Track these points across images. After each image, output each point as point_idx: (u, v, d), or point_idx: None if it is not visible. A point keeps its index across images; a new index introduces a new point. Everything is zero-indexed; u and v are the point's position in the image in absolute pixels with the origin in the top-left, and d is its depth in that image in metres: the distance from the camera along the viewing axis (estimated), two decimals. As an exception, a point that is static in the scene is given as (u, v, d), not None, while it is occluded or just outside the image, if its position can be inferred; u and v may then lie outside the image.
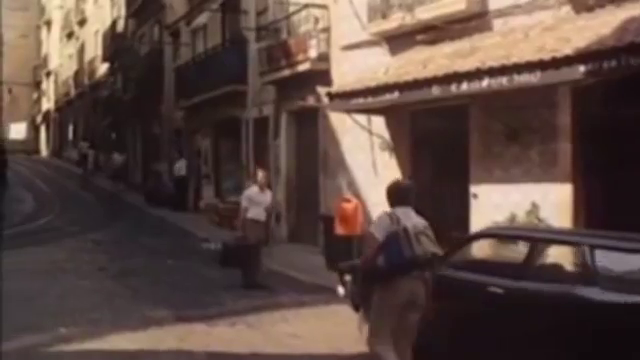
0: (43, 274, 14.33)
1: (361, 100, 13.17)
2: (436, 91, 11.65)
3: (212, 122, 25.01)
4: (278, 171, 19.16)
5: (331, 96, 13.96)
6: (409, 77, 12.12)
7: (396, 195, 7.25)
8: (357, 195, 15.42)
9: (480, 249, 8.70)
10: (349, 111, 14.68)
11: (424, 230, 7.08)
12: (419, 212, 7.19)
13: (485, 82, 10.95)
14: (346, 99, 13.56)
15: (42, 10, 66.00)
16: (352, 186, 15.76)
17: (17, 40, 62.87)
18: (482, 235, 8.78)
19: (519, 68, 10.40)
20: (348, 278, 9.57)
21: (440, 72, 11.53)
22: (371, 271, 7.07)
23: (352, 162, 15.92)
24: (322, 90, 14.50)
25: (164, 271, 15.12)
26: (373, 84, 12.73)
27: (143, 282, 13.70)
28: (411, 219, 7.01)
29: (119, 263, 15.93)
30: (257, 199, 13.45)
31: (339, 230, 14.78)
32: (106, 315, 10.86)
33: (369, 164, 15.37)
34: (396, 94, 12.40)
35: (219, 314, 11.08)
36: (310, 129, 17.82)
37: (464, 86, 11.25)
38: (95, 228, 22.47)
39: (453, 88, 11.39)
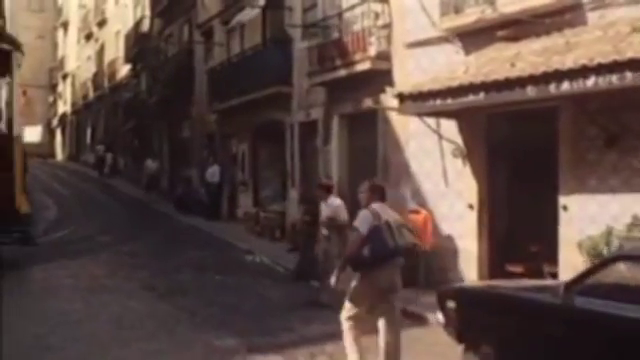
0: (84, 292, 13.37)
1: (438, 102, 12.01)
2: (531, 92, 10.51)
3: (250, 126, 23.85)
4: (329, 179, 18.03)
5: (402, 97, 12.82)
6: (498, 76, 11.00)
7: (377, 193, 8.60)
8: (423, 206, 14.35)
9: (621, 273, 7.54)
10: (421, 114, 13.54)
11: (405, 224, 8.49)
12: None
13: (591, 81, 9.83)
14: (420, 101, 12.40)
15: (59, 11, 65.33)
16: (417, 196, 14.67)
17: (33, 42, 62.00)
18: (623, 257, 7.61)
19: (634, 64, 9.30)
20: (451, 304, 8.50)
21: (537, 70, 10.41)
22: (356, 261, 8.09)
23: (418, 170, 14.76)
24: (391, 91, 13.35)
25: (215, 289, 14.06)
26: (455, 84, 11.61)
27: (196, 303, 12.61)
28: (389, 214, 8.27)
29: (163, 279, 14.86)
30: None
31: (407, 244, 13.72)
32: (166, 345, 9.82)
33: (438, 172, 14.23)
34: (481, 95, 11.26)
35: (292, 343, 10.04)
36: (366, 134, 16.69)
37: (565, 86, 10.12)
38: (126, 238, 21.45)
39: (552, 88, 10.25)
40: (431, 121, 14.19)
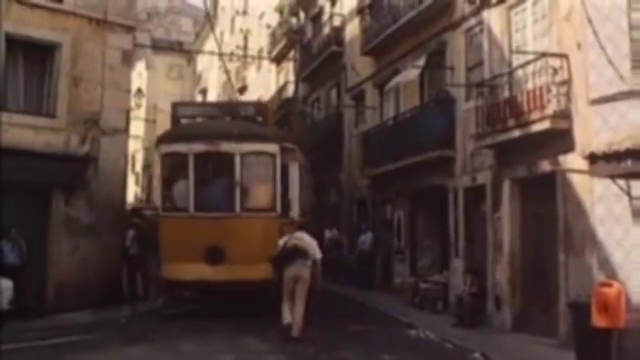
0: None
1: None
2: None
3: (408, 191, 23.58)
4: (499, 248, 17.42)
5: (593, 158, 12.20)
6: None
7: (297, 226, 16.23)
8: (613, 277, 13.53)
9: None
10: (614, 176, 12.85)
11: (308, 244, 15.54)
12: None
13: None
14: (615, 161, 11.80)
15: (198, 79, 67.53)
16: (605, 266, 13.87)
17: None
18: None
19: None
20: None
21: None
22: (276, 262, 15.40)
23: (606, 238, 13.95)
24: (582, 151, 12.74)
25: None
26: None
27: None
28: (298, 237, 15.52)
29: (331, 358, 14.38)
30: None
31: (598, 321, 12.88)
32: None
33: (630, 240, 13.44)
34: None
35: None
36: (542, 199, 16.04)
37: None
38: (275, 304, 20.94)
39: None
40: (621, 183, 13.46)
